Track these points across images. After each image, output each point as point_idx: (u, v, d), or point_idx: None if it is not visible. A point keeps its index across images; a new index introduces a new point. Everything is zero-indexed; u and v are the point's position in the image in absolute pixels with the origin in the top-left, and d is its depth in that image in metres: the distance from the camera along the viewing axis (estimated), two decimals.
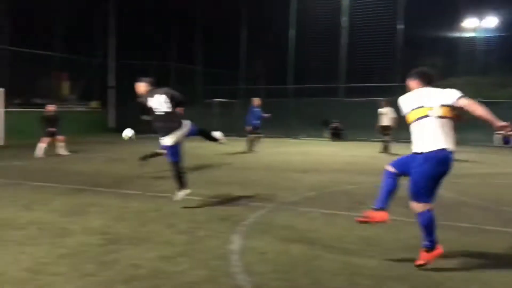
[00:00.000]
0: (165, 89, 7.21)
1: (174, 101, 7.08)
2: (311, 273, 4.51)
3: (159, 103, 7.02)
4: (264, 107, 16.50)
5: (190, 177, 10.40)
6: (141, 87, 7.25)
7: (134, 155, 14.89)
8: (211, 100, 25.47)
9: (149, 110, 7.11)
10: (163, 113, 7.04)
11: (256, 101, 16.31)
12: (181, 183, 7.33)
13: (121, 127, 25.77)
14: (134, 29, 27.21)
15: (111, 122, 26.95)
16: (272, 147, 17.66)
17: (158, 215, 6.83)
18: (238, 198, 8.05)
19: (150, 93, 7.12)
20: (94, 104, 26.19)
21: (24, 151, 15.52)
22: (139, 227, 6.10)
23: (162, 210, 7.16)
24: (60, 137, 14.66)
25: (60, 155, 14.45)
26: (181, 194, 7.33)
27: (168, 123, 7.05)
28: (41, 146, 14.19)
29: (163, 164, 12.73)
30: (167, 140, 7.10)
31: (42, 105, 23.32)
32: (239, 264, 4.71)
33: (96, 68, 25.81)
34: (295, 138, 23.05)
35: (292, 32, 24.43)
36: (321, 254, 5.06)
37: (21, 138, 19.01)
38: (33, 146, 14.20)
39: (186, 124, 7.23)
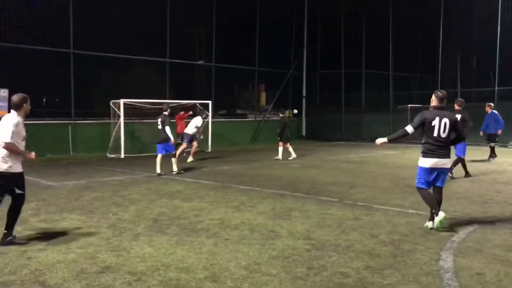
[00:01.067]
0: (456, 116, 6.58)
1: (455, 131, 6.45)
2: None
3: (443, 125, 6.38)
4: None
5: (386, 186, 10.12)
6: (432, 100, 6.59)
7: (326, 163, 15.21)
8: (404, 106, 24.42)
9: (427, 127, 6.43)
10: (439, 137, 6.37)
11: (486, 107, 15.19)
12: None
13: (310, 135, 26.77)
14: (324, 40, 27.92)
15: (303, 130, 27.94)
16: (475, 155, 16.07)
17: (357, 224, 6.77)
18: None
19: (434, 112, 6.51)
20: (287, 113, 27.54)
21: (228, 156, 17.13)
22: (341, 235, 6.12)
23: (361, 219, 7.08)
24: (280, 142, 16.09)
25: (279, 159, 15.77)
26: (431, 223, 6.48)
27: (442, 149, 6.40)
28: (280, 150, 15.95)
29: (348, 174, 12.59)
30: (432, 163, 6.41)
31: (243, 115, 25.63)
32: (454, 284, 4.35)
33: (290, 79, 27.06)
34: (503, 146, 20.58)
35: (498, 29, 21.91)
36: None
37: (224, 145, 21.09)
38: (234, 152, 15.54)
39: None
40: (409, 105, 23.90)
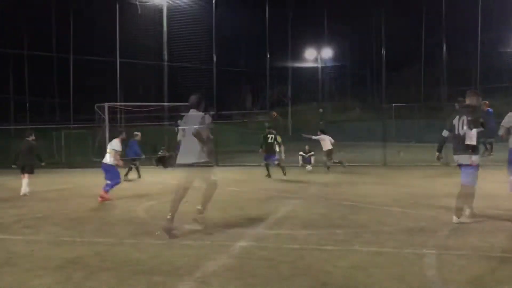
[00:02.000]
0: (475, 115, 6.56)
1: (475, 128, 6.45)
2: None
3: (461, 123, 6.58)
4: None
5: (373, 184, 10.20)
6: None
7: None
8: (388, 105, 24.68)
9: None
10: (458, 134, 6.61)
11: (483, 105, 14.82)
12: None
13: (297, 135, 26.84)
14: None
15: (290, 130, 28.05)
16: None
17: (344, 223, 6.84)
18: (426, 208, 7.59)
19: (459, 112, 6.72)
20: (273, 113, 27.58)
21: (220, 158, 17.11)
22: (327, 234, 6.15)
23: (348, 218, 7.16)
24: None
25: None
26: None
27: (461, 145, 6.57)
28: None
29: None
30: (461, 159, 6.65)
31: (229, 117, 25.57)
32: (438, 280, 4.40)
33: (275, 80, 27.14)
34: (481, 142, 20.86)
35: (479, 26, 22.20)
36: None
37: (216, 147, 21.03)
38: (221, 154, 15.47)
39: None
40: (393, 104, 24.15)
